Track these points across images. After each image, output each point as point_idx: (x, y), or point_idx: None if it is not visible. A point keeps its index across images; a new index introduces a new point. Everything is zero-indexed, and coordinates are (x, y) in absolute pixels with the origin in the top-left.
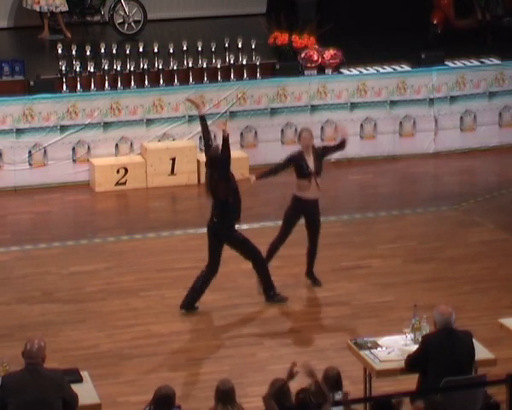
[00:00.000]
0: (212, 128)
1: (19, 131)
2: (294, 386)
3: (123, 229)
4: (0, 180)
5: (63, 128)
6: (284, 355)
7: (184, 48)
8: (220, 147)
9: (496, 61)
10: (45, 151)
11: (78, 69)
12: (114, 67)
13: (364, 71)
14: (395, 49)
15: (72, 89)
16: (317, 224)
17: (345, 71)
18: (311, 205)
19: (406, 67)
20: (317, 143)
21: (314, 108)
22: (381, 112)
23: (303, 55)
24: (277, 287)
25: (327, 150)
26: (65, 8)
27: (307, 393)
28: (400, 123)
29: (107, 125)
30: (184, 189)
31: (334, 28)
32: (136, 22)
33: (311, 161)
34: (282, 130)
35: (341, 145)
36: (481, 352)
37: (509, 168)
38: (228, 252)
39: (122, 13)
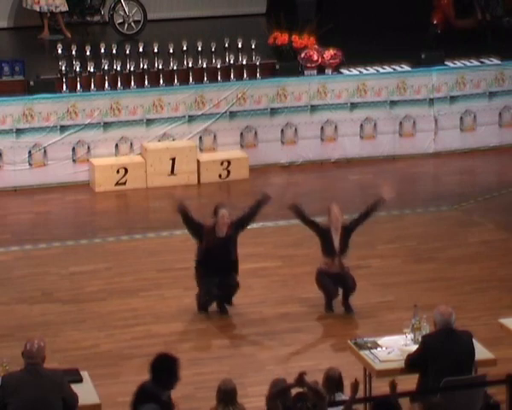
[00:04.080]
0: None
1: (19, 131)
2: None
3: (123, 229)
4: (0, 180)
5: (63, 128)
6: (284, 355)
7: (184, 48)
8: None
9: (496, 61)
10: (45, 151)
11: (78, 69)
12: (114, 67)
13: (364, 71)
14: (395, 49)
15: (72, 89)
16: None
17: (345, 71)
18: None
19: (406, 67)
20: (317, 143)
21: (314, 108)
22: (381, 112)
23: (303, 55)
24: (277, 287)
25: (357, 222)
26: (65, 8)
27: (304, 400)
28: (400, 123)
29: (107, 125)
30: (184, 189)
31: (334, 28)
32: (136, 22)
33: (337, 239)
34: (282, 130)
35: (374, 207)
36: (481, 352)
37: (509, 168)
38: None
39: (122, 13)
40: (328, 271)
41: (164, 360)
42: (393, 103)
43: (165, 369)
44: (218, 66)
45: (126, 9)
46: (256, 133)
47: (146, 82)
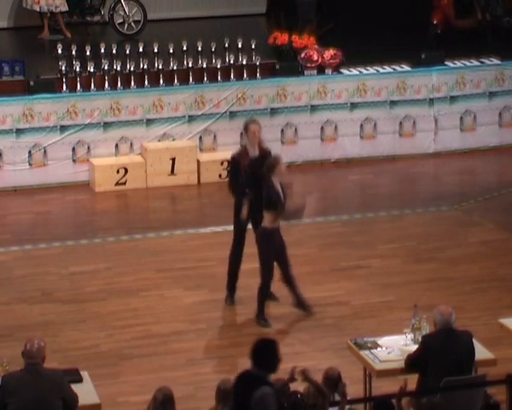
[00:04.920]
0: None
1: (19, 131)
2: (294, 386)
3: (123, 229)
4: (0, 180)
5: (63, 128)
6: (284, 355)
7: (184, 48)
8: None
9: (496, 61)
10: (45, 151)
11: (78, 69)
12: (114, 67)
13: (364, 71)
14: (395, 49)
15: (72, 89)
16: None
17: (345, 71)
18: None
19: (406, 67)
20: (317, 143)
21: (314, 108)
22: (381, 112)
23: (303, 55)
24: (277, 287)
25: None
26: (65, 8)
27: (298, 395)
28: (400, 123)
29: (107, 125)
30: (184, 189)
31: (334, 28)
32: (136, 22)
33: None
34: (282, 130)
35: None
36: (481, 352)
37: (509, 168)
38: (226, 252)
39: (122, 13)
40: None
41: (264, 344)
42: (393, 103)
43: (266, 353)
44: (218, 66)
45: (126, 9)
46: None
47: (146, 82)
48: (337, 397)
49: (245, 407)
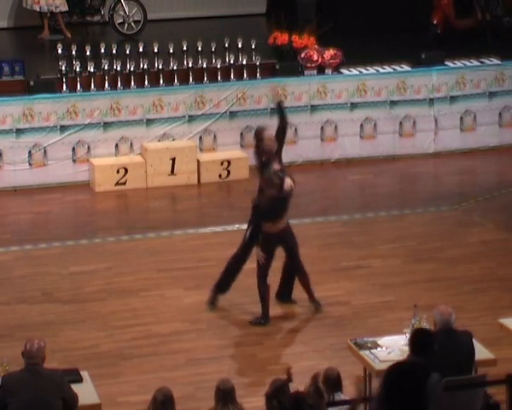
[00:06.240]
0: None
1: (19, 131)
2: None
3: (123, 229)
4: (0, 180)
5: (63, 128)
6: (284, 355)
7: (184, 48)
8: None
9: (496, 61)
10: (45, 151)
11: (78, 69)
12: (114, 67)
13: (364, 71)
14: (395, 49)
15: (72, 89)
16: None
17: (345, 71)
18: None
19: (406, 67)
20: (317, 143)
21: (314, 108)
22: (381, 112)
23: (303, 55)
24: (277, 287)
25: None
26: (65, 8)
27: (302, 395)
28: (400, 123)
29: (107, 125)
30: (184, 189)
31: (334, 28)
32: (136, 22)
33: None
34: None
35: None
36: (481, 352)
37: (509, 168)
38: (226, 252)
39: (122, 13)
40: (271, 231)
41: (424, 334)
42: (393, 103)
43: (427, 342)
44: (218, 66)
45: (126, 9)
46: None
47: (146, 82)
48: (337, 397)
49: (414, 396)
